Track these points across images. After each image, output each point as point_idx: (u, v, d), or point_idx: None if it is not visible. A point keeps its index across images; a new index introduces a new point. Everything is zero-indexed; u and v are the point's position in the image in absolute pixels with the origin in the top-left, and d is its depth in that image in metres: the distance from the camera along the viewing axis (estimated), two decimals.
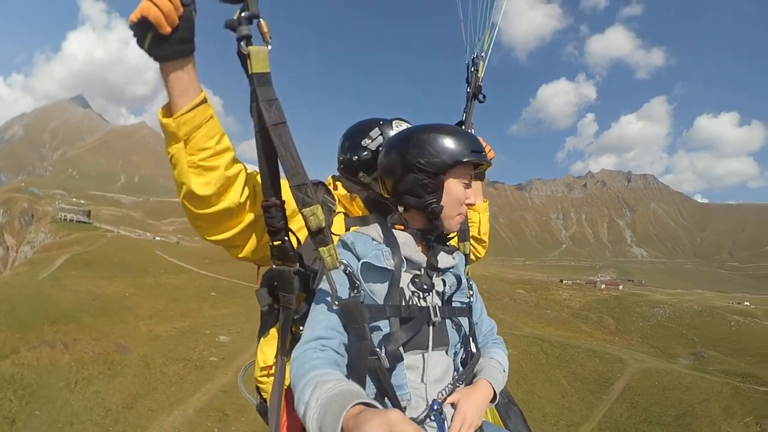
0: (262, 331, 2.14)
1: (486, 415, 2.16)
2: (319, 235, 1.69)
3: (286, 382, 1.85)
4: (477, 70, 3.14)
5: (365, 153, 2.47)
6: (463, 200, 1.95)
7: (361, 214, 2.39)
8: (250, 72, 1.58)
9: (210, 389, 33.20)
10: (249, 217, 1.86)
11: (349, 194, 2.44)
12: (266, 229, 1.80)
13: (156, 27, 1.42)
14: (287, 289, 1.84)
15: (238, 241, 1.91)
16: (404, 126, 2.44)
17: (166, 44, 1.46)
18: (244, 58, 1.58)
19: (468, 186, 1.97)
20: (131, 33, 1.47)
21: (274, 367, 1.96)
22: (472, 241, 2.84)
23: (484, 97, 3.13)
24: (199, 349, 41.63)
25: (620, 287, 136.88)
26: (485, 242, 3.07)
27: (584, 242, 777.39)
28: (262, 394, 2.22)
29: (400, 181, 1.95)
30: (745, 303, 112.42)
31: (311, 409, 1.31)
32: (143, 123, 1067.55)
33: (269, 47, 1.59)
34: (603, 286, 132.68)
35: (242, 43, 1.56)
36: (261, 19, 1.55)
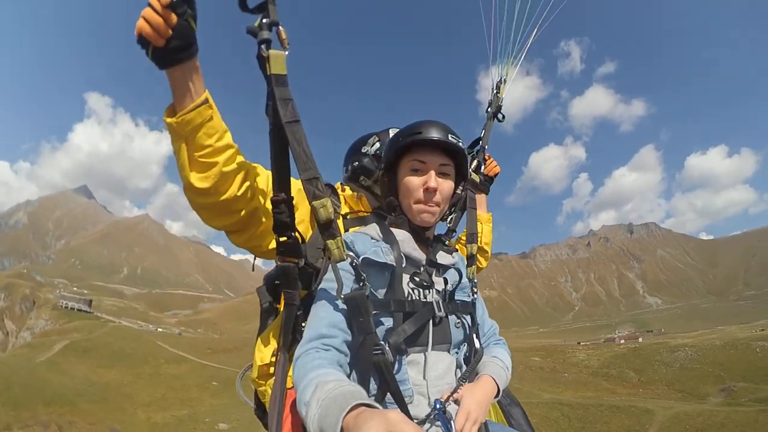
0: (261, 330, 2.22)
1: (489, 414, 2.13)
2: (329, 228, 1.73)
3: (288, 382, 1.85)
4: (499, 92, 3.31)
5: (365, 159, 2.64)
6: (415, 186, 1.90)
7: (365, 211, 2.50)
8: (269, 73, 1.67)
9: None
10: (247, 208, 1.94)
11: (356, 194, 2.59)
12: (273, 224, 1.83)
13: (151, 41, 1.53)
14: (291, 285, 1.90)
15: (235, 227, 2.00)
16: None
17: (164, 55, 1.57)
18: (263, 61, 1.67)
19: (420, 170, 1.91)
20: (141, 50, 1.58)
21: (272, 366, 2.01)
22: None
23: (503, 116, 3.30)
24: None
25: (640, 339, 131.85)
26: (488, 252, 3.22)
27: (597, 301, 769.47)
28: (260, 397, 2.24)
29: (379, 183, 2.10)
30: None
31: (312, 410, 1.32)
32: (146, 215, 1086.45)
33: (287, 52, 1.69)
34: (622, 341, 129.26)
35: (263, 47, 1.66)
36: (280, 27, 1.66)
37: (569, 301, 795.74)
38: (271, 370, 2.02)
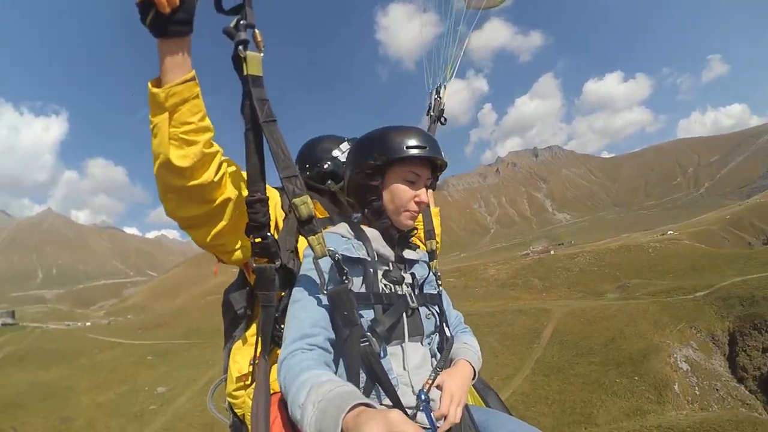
0: (232, 340, 2.22)
1: (468, 399, 2.16)
2: (309, 224, 1.78)
3: (273, 388, 1.89)
4: (440, 97, 3.46)
5: (335, 163, 2.64)
6: (408, 197, 1.95)
7: (320, 216, 2.38)
8: (245, 74, 1.72)
9: (151, 431, 36.57)
10: (217, 199, 1.85)
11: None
12: (249, 225, 1.87)
13: (157, 6, 1.50)
14: (268, 286, 1.90)
15: (201, 221, 1.90)
16: None
17: (165, 23, 1.55)
18: (239, 62, 1.73)
19: (414, 183, 1.98)
20: (136, 10, 1.57)
21: (250, 375, 1.99)
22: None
23: (445, 120, 3.44)
24: (139, 402, 44.68)
25: (551, 252, 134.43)
26: (438, 244, 2.99)
27: (510, 222, 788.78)
28: (236, 410, 2.16)
29: (348, 183, 2.07)
30: (669, 232, 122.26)
31: (308, 414, 1.28)
32: (48, 210, 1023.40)
33: (262, 54, 1.75)
34: (536, 256, 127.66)
35: (240, 48, 1.70)
36: (256, 29, 1.71)
37: (485, 225, 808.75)
38: (249, 380, 2.00)
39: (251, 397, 1.88)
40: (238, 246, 2.02)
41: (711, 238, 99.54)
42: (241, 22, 1.68)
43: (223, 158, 1.86)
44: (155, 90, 1.61)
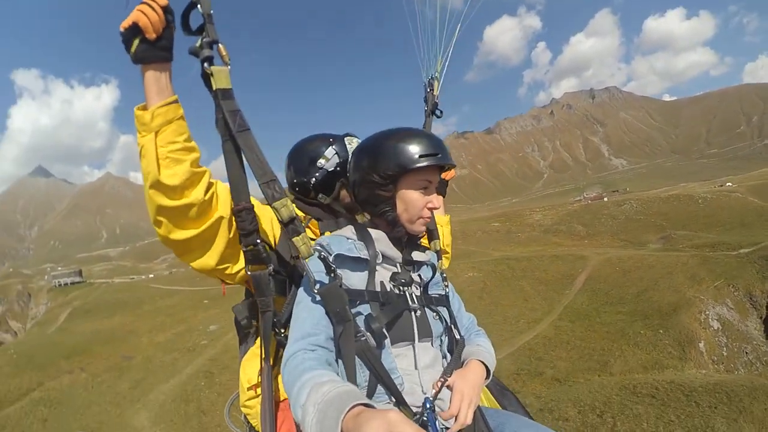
0: (243, 351, 2.25)
1: (482, 401, 2.14)
2: (291, 225, 1.83)
3: (282, 394, 1.96)
4: (433, 89, 3.45)
5: (322, 173, 2.47)
6: (421, 205, 1.93)
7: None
8: (214, 88, 1.77)
9: (200, 361, 38.43)
10: (209, 219, 1.87)
11: (305, 216, 2.46)
12: (238, 235, 1.91)
13: (143, 32, 1.65)
14: (264, 291, 1.95)
15: (195, 244, 1.89)
16: (355, 142, 2.51)
17: (150, 49, 1.69)
18: (207, 78, 1.78)
19: (427, 189, 1.95)
20: (120, 39, 1.71)
21: (259, 386, 2.04)
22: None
23: (441, 112, 3.42)
24: (192, 339, 46.75)
25: (605, 199, 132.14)
26: (448, 253, 3.01)
27: (564, 167, 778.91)
28: (250, 420, 2.21)
29: (358, 192, 2.01)
30: (728, 184, 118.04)
31: (309, 415, 1.28)
32: (108, 174, 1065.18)
33: (229, 67, 1.80)
34: (588, 202, 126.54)
35: (206, 64, 1.76)
36: (220, 44, 1.76)
37: (538, 170, 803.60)
38: (259, 389, 2.03)
39: (260, 400, 1.96)
40: (238, 267, 2.02)
41: None
42: (205, 39, 1.75)
43: (211, 179, 1.92)
44: (140, 112, 1.71)
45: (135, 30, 1.65)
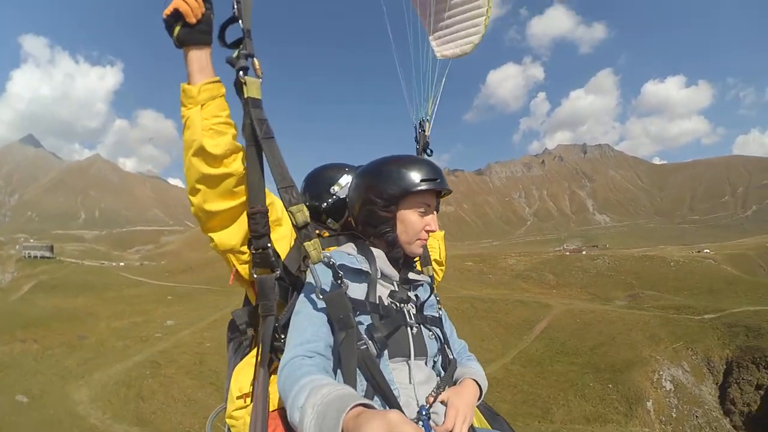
0: (235, 361, 2.19)
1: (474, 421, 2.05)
2: (304, 230, 1.88)
3: (273, 405, 1.89)
4: (424, 130, 3.67)
5: (335, 199, 2.60)
6: (420, 227, 2.05)
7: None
8: (245, 96, 1.90)
9: (150, 352, 38.94)
10: (242, 197, 1.95)
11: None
12: (251, 235, 1.97)
13: (184, 17, 1.82)
14: (268, 295, 1.97)
15: (226, 219, 1.98)
16: None
17: (191, 33, 1.85)
18: (240, 86, 1.90)
19: (426, 213, 2.07)
20: (163, 25, 1.89)
21: (251, 394, 1.98)
22: (434, 264, 2.97)
23: (431, 151, 3.64)
24: (148, 330, 47.33)
25: (583, 252, 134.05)
26: (443, 265, 3.25)
27: (548, 216, 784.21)
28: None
29: (358, 213, 2.12)
30: (705, 251, 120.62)
31: (308, 416, 1.28)
32: (97, 155, 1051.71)
33: (261, 80, 1.94)
34: (567, 253, 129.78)
35: (241, 73, 1.89)
36: (255, 58, 1.91)
37: (522, 216, 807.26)
38: (249, 399, 1.98)
39: (252, 408, 1.94)
40: None
41: (746, 263, 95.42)
42: (242, 52, 1.91)
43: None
44: (188, 86, 1.85)
45: (176, 16, 1.83)
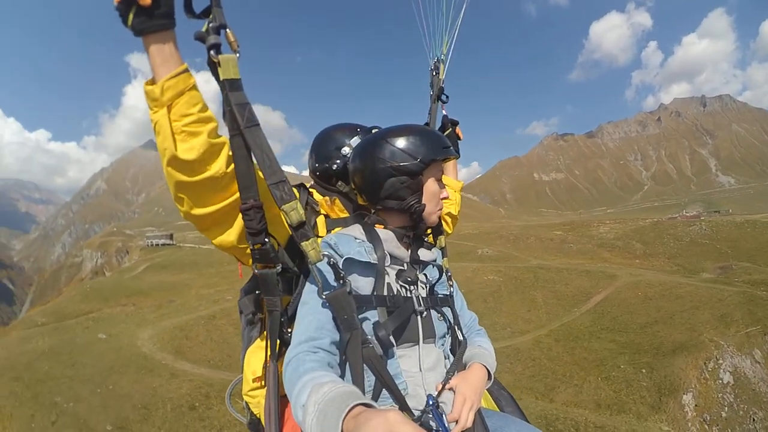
0: (248, 342, 2.24)
1: (481, 402, 2.02)
2: (300, 230, 1.74)
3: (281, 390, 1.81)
4: (438, 73, 3.31)
5: (344, 161, 2.46)
6: (439, 196, 2.03)
7: (341, 216, 2.36)
8: (221, 79, 1.65)
9: (214, 309, 42.61)
10: (233, 194, 1.81)
11: (328, 198, 2.41)
12: (246, 232, 1.81)
13: (137, 1, 1.48)
14: (272, 291, 1.90)
15: (218, 220, 1.86)
16: None
17: (147, 18, 1.52)
18: (214, 66, 1.65)
19: (440, 182, 2.05)
20: (116, 14, 1.55)
21: (263, 379, 2.00)
22: (447, 218, 2.95)
23: (447, 97, 3.27)
24: (224, 295, 50.62)
25: (702, 218, 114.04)
26: (456, 218, 3.07)
27: (667, 180, 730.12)
28: (252, 409, 2.22)
29: (380, 187, 1.97)
30: None
31: (310, 415, 1.29)
32: None
33: (237, 55, 1.66)
34: (684, 220, 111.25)
35: (212, 52, 1.62)
36: (228, 29, 1.62)
37: (639, 180, 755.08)
38: (263, 382, 2.00)
39: (264, 397, 1.98)
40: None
41: None
42: (211, 24, 1.63)
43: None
44: (150, 87, 1.60)
45: (129, 1, 1.52)
